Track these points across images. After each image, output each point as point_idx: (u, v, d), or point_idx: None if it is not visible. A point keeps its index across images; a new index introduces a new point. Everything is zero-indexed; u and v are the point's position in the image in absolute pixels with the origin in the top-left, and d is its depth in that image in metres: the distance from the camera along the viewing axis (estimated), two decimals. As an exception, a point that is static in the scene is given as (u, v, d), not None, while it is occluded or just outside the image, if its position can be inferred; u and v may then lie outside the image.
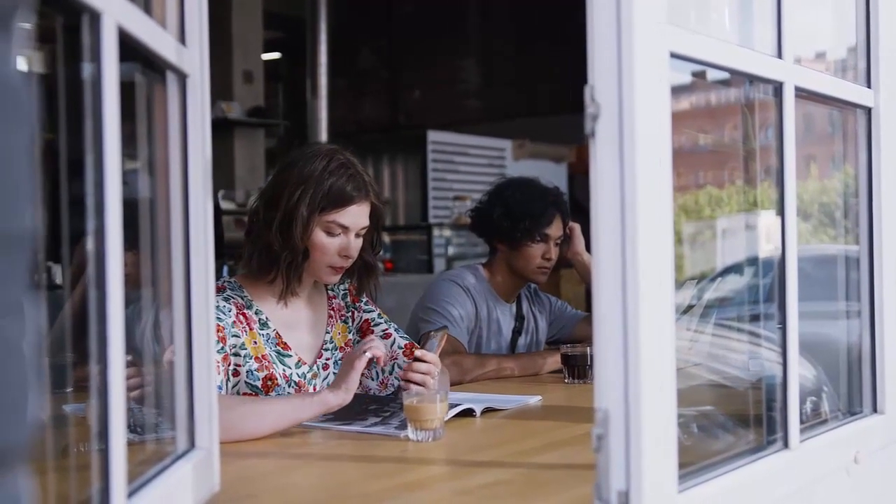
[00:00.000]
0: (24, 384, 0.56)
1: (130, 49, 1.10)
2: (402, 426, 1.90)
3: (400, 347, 2.33)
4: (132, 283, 1.20)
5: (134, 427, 1.32)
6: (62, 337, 2.01)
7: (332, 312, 2.36)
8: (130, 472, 1.06)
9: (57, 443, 1.28)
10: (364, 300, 2.41)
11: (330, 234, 2.17)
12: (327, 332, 2.32)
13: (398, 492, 1.52)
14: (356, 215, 2.19)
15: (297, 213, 2.13)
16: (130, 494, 1.08)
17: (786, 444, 1.50)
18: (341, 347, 2.34)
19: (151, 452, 1.38)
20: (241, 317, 2.15)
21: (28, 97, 0.56)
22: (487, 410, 2.17)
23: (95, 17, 0.98)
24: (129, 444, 1.06)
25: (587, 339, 2.93)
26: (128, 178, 1.11)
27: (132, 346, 1.17)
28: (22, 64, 0.57)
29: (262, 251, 2.18)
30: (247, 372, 2.13)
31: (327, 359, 2.31)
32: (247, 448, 1.82)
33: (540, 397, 2.35)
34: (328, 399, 1.92)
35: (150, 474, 1.21)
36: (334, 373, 2.28)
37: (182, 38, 1.34)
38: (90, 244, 1.00)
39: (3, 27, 0.54)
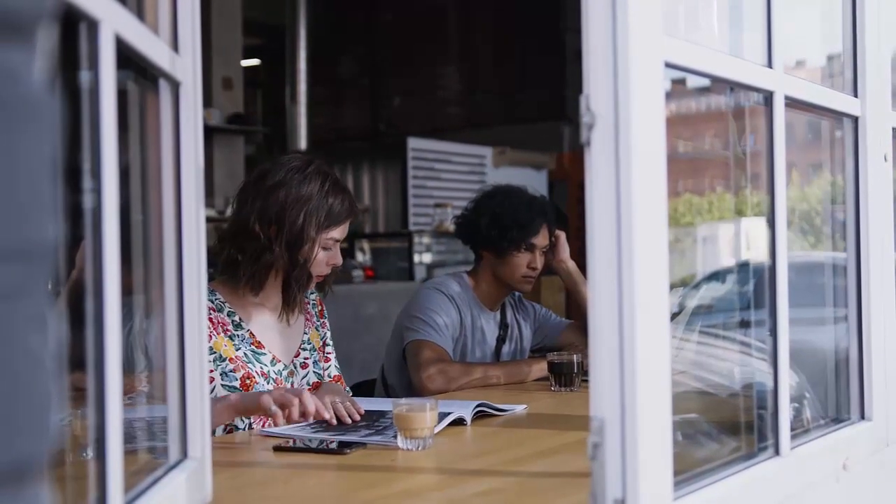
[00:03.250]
0: (47, 396, 0.56)
1: (124, 56, 1.10)
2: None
3: (329, 376, 2.41)
4: (122, 291, 1.20)
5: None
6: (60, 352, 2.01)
7: (308, 315, 2.44)
8: (123, 483, 1.05)
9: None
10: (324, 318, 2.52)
11: (325, 248, 2.28)
12: (305, 333, 2.41)
13: (391, 501, 1.52)
14: (346, 228, 2.33)
15: (306, 235, 2.23)
16: (126, 506, 1.07)
17: (777, 451, 1.50)
18: (319, 349, 2.43)
19: (143, 463, 1.37)
20: (208, 321, 2.17)
21: (51, 109, 0.56)
22: (479, 415, 2.18)
23: (93, 26, 0.97)
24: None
25: (572, 347, 2.94)
26: (119, 186, 1.10)
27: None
28: (45, 74, 0.57)
29: (264, 269, 2.24)
30: (222, 374, 2.18)
31: (305, 358, 2.39)
32: (238, 458, 1.82)
33: (526, 406, 2.35)
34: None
35: (144, 485, 1.20)
36: (314, 372, 2.39)
37: (175, 46, 1.33)
38: (87, 252, 0.99)
39: (26, 39, 0.54)
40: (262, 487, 1.63)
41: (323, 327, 2.48)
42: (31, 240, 0.54)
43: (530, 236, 2.97)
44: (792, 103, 1.57)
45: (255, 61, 10.33)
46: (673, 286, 2.38)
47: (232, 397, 2.01)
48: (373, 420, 2.12)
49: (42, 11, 0.55)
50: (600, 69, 1.16)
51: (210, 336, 2.18)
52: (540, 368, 2.81)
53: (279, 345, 2.32)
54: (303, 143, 8.57)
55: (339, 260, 2.32)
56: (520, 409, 2.33)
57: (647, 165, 1.17)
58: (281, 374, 2.29)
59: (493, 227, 2.98)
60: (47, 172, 0.56)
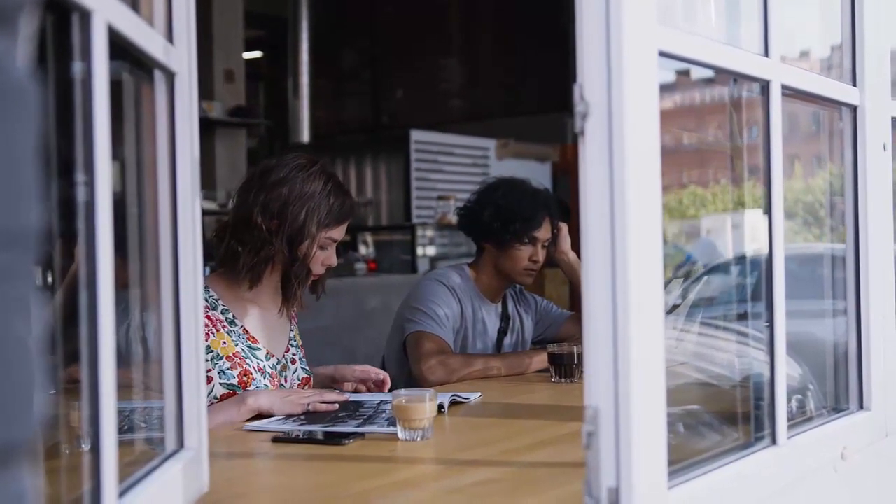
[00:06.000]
0: (30, 381, 0.56)
1: (118, 47, 1.10)
2: (392, 423, 1.89)
3: (298, 379, 2.42)
4: (118, 284, 1.20)
5: (120, 427, 1.32)
6: (48, 338, 2.02)
7: (292, 314, 2.47)
8: (119, 473, 1.05)
9: (43, 443, 1.27)
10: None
11: (322, 248, 2.31)
12: (291, 330, 2.45)
13: (389, 491, 1.52)
14: (344, 229, 2.36)
15: (306, 231, 2.25)
16: (121, 494, 1.07)
17: (773, 441, 1.51)
18: (301, 346, 2.48)
19: (140, 453, 1.37)
20: (205, 319, 2.18)
21: (33, 96, 0.57)
22: (454, 403, 2.22)
23: (86, 16, 0.97)
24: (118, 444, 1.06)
25: (573, 339, 2.94)
26: (113, 179, 1.10)
27: (117, 348, 1.17)
28: (27, 61, 0.57)
29: (263, 262, 2.26)
30: (219, 373, 2.21)
31: (293, 354, 2.43)
32: (235, 449, 1.82)
33: (480, 394, 2.38)
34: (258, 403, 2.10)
35: (140, 474, 1.21)
36: (302, 368, 2.43)
37: (170, 37, 1.33)
38: (80, 246, 1.00)
39: (7, 26, 0.54)
40: (260, 477, 1.64)
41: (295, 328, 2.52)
42: (14, 226, 0.55)
43: (533, 229, 2.97)
44: (789, 93, 1.57)
45: (257, 54, 10.33)
46: (676, 278, 2.38)
47: (256, 402, 2.10)
48: (353, 410, 2.12)
49: (24, 0, 0.56)
50: (594, 58, 1.16)
51: (208, 335, 2.19)
52: (540, 360, 2.81)
53: (270, 340, 2.36)
54: (305, 136, 8.58)
55: (333, 261, 2.36)
56: (475, 396, 2.36)
57: (640, 155, 1.17)
58: (275, 368, 2.32)
59: (495, 219, 2.98)
60: (29, 160, 0.56)
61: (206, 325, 2.20)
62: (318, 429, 1.94)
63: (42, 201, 0.58)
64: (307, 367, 2.45)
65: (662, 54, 1.23)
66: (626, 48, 1.14)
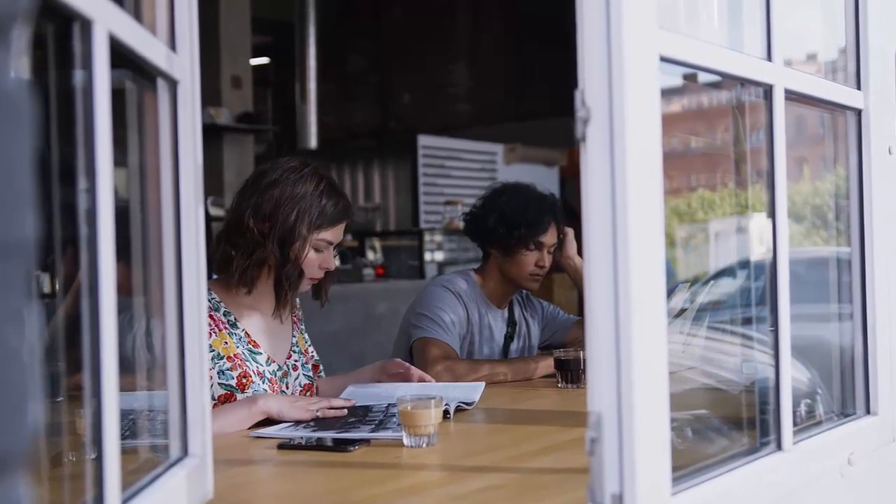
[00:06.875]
0: (24, 391, 0.56)
1: (120, 56, 1.10)
2: (401, 429, 1.89)
3: (300, 386, 2.42)
4: (122, 291, 1.20)
5: (124, 434, 1.32)
6: (53, 346, 2.02)
7: (294, 319, 2.47)
8: (123, 480, 1.05)
9: (49, 451, 1.27)
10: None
11: (317, 250, 2.30)
12: (293, 336, 2.44)
13: (393, 497, 1.52)
14: (341, 232, 2.34)
15: (297, 233, 2.25)
16: (124, 502, 1.08)
17: (779, 446, 1.50)
18: (304, 352, 2.46)
19: (144, 460, 1.37)
20: (208, 319, 2.19)
21: (27, 106, 0.57)
22: (459, 410, 2.22)
23: (87, 25, 0.98)
24: (122, 451, 1.06)
25: (579, 344, 2.93)
26: (117, 186, 1.11)
27: (123, 355, 1.17)
28: (21, 72, 0.57)
29: (256, 265, 2.26)
30: (219, 373, 2.21)
31: (295, 360, 2.42)
32: (239, 456, 1.82)
33: (483, 384, 2.39)
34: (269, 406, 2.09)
35: (144, 482, 1.21)
36: (304, 374, 2.42)
37: (172, 45, 1.34)
38: (82, 253, 1.00)
39: (1, 36, 0.54)
40: (265, 484, 1.63)
41: (303, 331, 2.52)
42: (9, 236, 0.55)
43: (538, 234, 2.97)
44: (793, 97, 1.57)
45: (264, 59, 10.34)
46: (685, 282, 2.36)
47: (266, 405, 2.09)
48: (362, 416, 2.12)
49: (17, 11, 0.56)
50: (595, 64, 1.16)
51: (210, 334, 2.19)
52: (546, 365, 2.80)
53: (272, 346, 2.35)
54: (313, 142, 8.58)
55: (331, 264, 2.33)
56: (478, 392, 2.36)
57: (642, 159, 1.17)
58: (276, 374, 2.32)
59: (500, 224, 2.97)
60: (25, 170, 0.56)
61: (209, 325, 2.20)
62: (329, 435, 1.94)
63: (38, 212, 0.59)
64: (310, 374, 2.45)
65: (664, 59, 1.23)
66: (627, 53, 1.14)
